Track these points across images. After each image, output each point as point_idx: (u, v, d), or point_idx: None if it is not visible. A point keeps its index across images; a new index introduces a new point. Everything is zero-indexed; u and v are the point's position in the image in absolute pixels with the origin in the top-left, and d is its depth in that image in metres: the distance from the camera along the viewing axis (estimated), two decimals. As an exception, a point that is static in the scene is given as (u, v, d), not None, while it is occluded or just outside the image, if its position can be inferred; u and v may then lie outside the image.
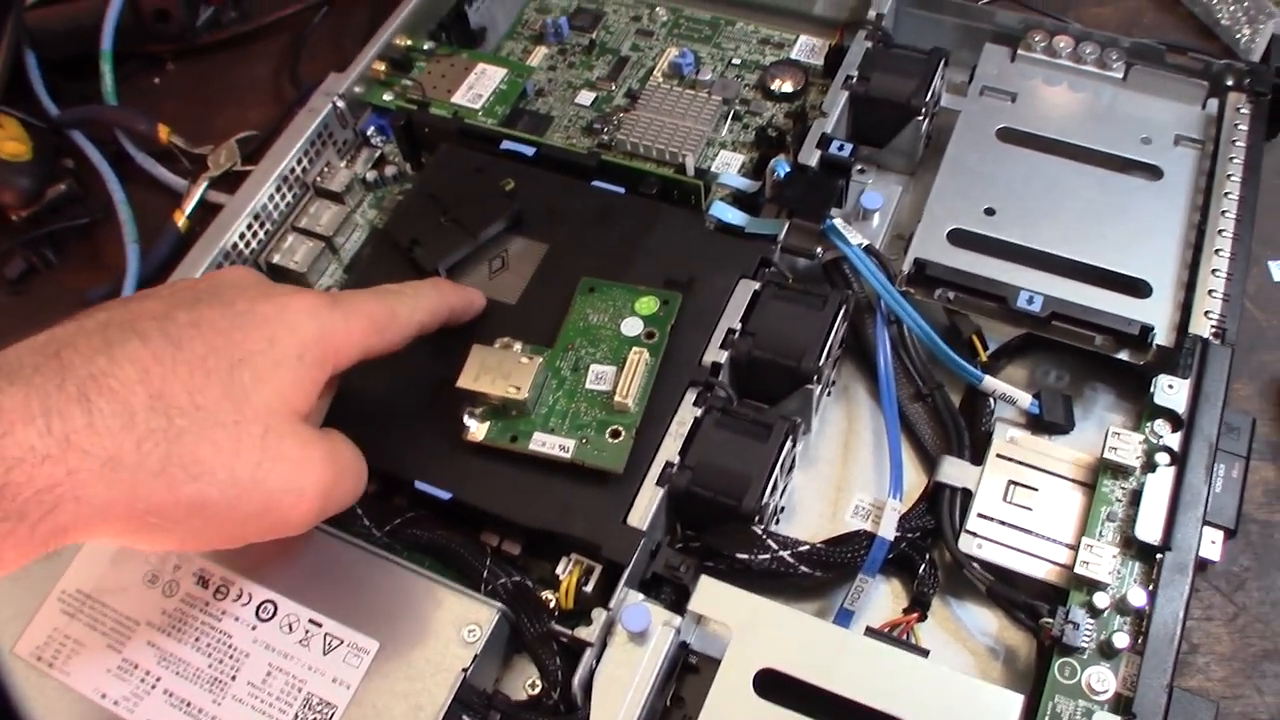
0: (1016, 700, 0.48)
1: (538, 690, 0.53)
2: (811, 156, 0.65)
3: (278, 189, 0.69)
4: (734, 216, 0.63)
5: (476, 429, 0.55)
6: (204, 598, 0.53)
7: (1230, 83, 0.68)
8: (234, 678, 0.51)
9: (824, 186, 0.63)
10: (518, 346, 0.57)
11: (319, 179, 0.71)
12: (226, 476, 0.43)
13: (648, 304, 0.59)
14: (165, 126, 0.77)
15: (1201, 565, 0.54)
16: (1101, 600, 0.51)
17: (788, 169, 0.64)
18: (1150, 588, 0.51)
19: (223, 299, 0.46)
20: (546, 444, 0.54)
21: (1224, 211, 0.62)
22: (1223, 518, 0.54)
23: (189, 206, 0.74)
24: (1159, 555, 0.52)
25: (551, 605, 0.53)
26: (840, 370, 0.64)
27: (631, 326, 0.58)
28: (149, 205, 0.77)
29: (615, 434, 0.54)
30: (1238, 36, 0.79)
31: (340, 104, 0.72)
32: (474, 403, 0.56)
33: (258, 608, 0.52)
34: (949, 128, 0.68)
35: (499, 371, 0.55)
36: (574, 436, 0.55)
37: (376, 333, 0.51)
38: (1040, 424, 0.60)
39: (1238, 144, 0.65)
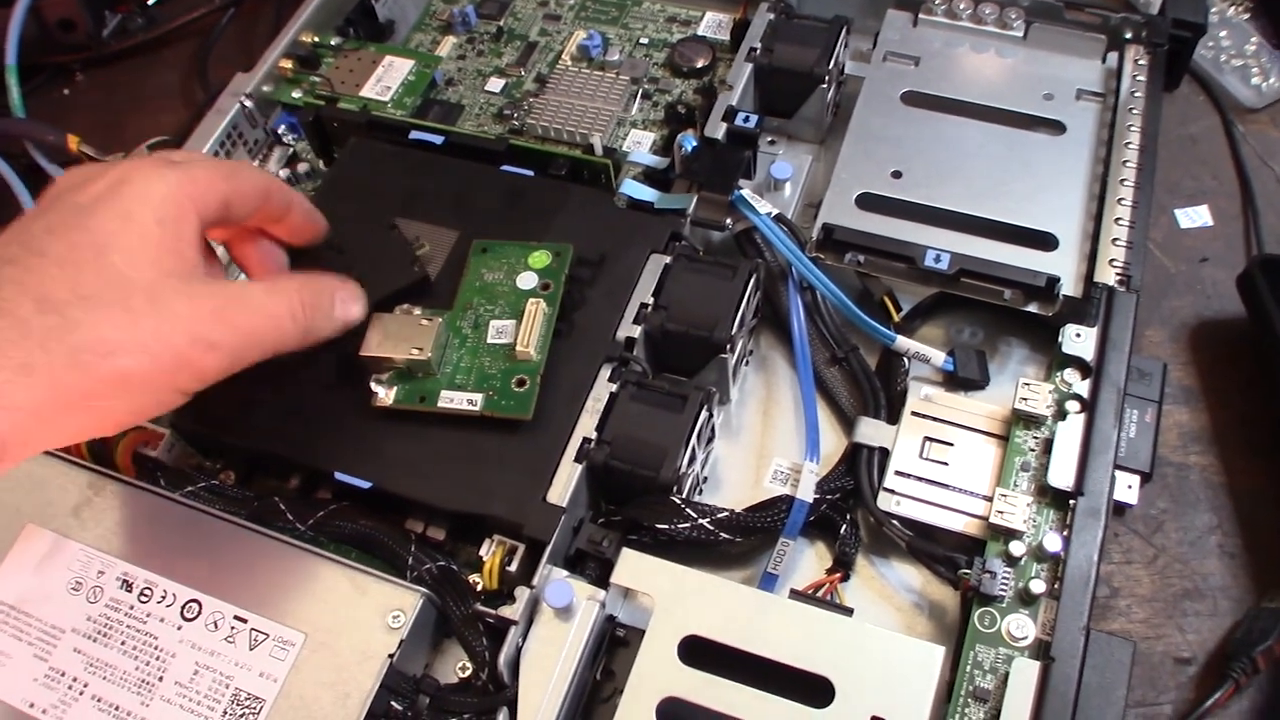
0: (938, 651, 0.48)
1: (468, 673, 0.53)
2: (718, 130, 0.65)
3: (189, 191, 0.68)
4: (644, 193, 0.64)
5: (385, 394, 0.56)
6: (128, 601, 0.53)
7: (1128, 35, 0.69)
8: (161, 678, 0.51)
9: (731, 158, 0.64)
10: (417, 311, 0.58)
11: (231, 179, 0.70)
12: (134, 345, 0.45)
13: (540, 257, 0.59)
14: (74, 136, 0.76)
15: (1119, 510, 0.55)
16: (1018, 548, 0.52)
17: (695, 143, 0.64)
18: (1065, 533, 0.52)
19: (67, 201, 0.48)
20: (454, 400, 0.55)
21: (1125, 162, 0.63)
22: (1138, 462, 0.55)
23: (101, 214, 0.74)
24: (1072, 501, 0.52)
25: (478, 588, 0.54)
26: (758, 340, 0.64)
27: (526, 280, 0.59)
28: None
29: (521, 383, 0.55)
30: (1137, -9, 0.80)
31: (248, 103, 0.71)
32: (379, 369, 0.56)
33: (182, 607, 0.52)
34: (855, 95, 0.68)
35: (400, 336, 0.56)
36: (481, 390, 0.55)
37: (224, 178, 0.51)
38: (956, 381, 0.60)
39: (1137, 95, 0.66)
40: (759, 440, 0.61)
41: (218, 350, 0.48)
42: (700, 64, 0.74)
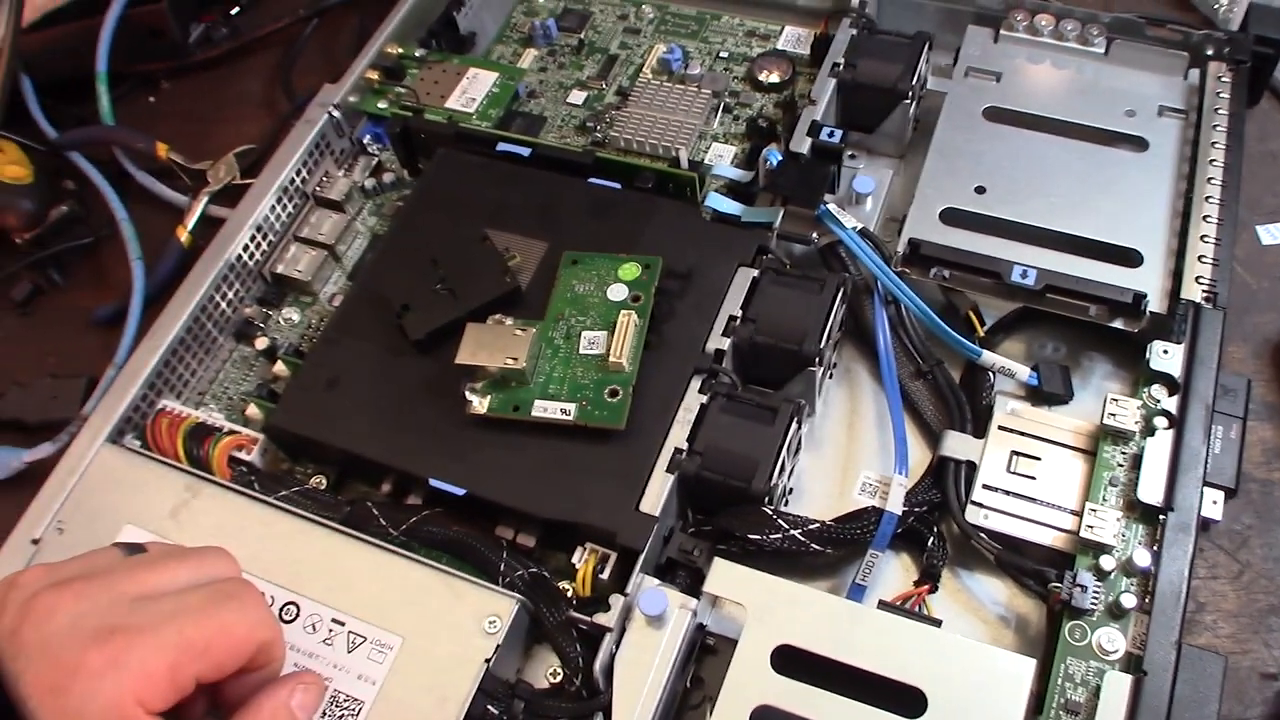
0: (1029, 664, 0.49)
1: (559, 678, 0.53)
2: (803, 144, 0.66)
3: (278, 200, 0.70)
4: (729, 206, 0.65)
5: (479, 403, 0.57)
6: (227, 603, 0.54)
7: (1210, 52, 0.69)
8: (261, 679, 0.52)
9: (816, 172, 0.64)
10: (509, 321, 0.59)
11: (318, 188, 0.72)
12: None
13: (630, 269, 0.60)
14: (163, 144, 0.78)
15: (1204, 525, 0.55)
16: (1108, 563, 0.52)
17: (780, 157, 0.65)
18: (1154, 548, 0.52)
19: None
20: (548, 409, 0.56)
21: (1210, 179, 0.63)
22: (1223, 478, 0.55)
23: (191, 221, 0.75)
24: (1161, 516, 0.53)
25: (569, 594, 0.55)
26: (841, 353, 0.65)
27: (617, 292, 0.60)
28: (151, 222, 0.78)
29: (614, 393, 0.56)
30: (1215, 6, 0.80)
31: (336, 113, 0.73)
32: (473, 378, 0.57)
33: (281, 609, 0.53)
34: (936, 110, 0.69)
35: (495, 345, 0.57)
36: (574, 400, 0.56)
37: (197, 656, 0.44)
38: (1039, 395, 0.61)
39: (1220, 112, 0.66)
40: (844, 453, 0.62)
41: None
42: (780, 78, 0.74)
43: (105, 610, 0.44)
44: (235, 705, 0.46)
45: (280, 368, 0.65)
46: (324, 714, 0.50)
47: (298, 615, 0.53)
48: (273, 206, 0.69)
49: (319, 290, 0.70)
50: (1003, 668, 0.49)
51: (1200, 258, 0.60)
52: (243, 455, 0.61)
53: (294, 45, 0.89)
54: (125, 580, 0.45)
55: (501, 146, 0.68)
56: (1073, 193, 0.64)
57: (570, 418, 0.56)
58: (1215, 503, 0.55)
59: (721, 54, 0.77)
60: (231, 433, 0.61)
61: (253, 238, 0.68)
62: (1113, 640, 0.51)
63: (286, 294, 0.70)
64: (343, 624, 0.52)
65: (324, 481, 0.61)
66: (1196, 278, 0.59)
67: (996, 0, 0.73)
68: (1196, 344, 0.57)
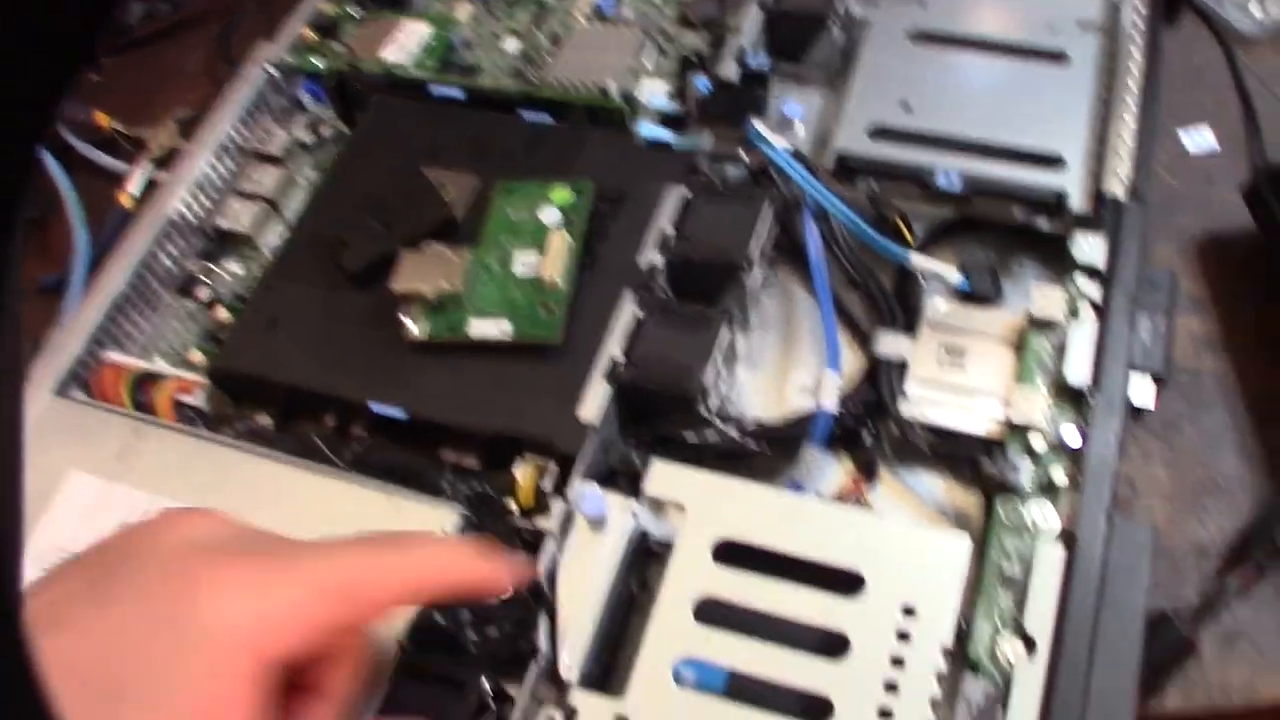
0: (965, 541, 0.50)
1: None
2: (731, 70, 0.67)
3: (217, 157, 0.70)
4: (661, 134, 0.66)
5: (416, 328, 0.57)
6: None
7: (1125, -34, 0.70)
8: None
9: (745, 96, 0.65)
10: (443, 248, 0.59)
11: (258, 145, 0.73)
12: None
13: (562, 194, 0.61)
14: (103, 114, 0.79)
15: (1137, 414, 0.56)
16: (1038, 443, 0.53)
17: (708, 84, 0.66)
18: (1083, 427, 0.53)
19: (121, 593, 0.35)
20: (485, 329, 0.57)
21: (1128, 85, 0.64)
22: (1153, 366, 0.56)
23: (133, 187, 0.76)
24: (1089, 397, 0.54)
25: (512, 509, 0.55)
26: (776, 272, 0.66)
27: (549, 216, 0.60)
28: (96, 192, 0.78)
29: (549, 310, 0.57)
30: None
31: (273, 71, 0.73)
32: (410, 304, 0.58)
33: (228, 538, 0.54)
34: (862, 37, 0.70)
35: (430, 271, 0.58)
36: (510, 318, 0.57)
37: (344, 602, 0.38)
38: (969, 298, 0.62)
39: (1139, 25, 0.67)
40: (780, 365, 0.63)
41: None
42: (711, 15, 0.75)
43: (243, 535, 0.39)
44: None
45: (223, 314, 0.66)
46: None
47: (245, 542, 0.53)
48: (211, 163, 0.70)
49: (261, 243, 0.70)
50: (940, 547, 0.50)
51: (1120, 157, 0.61)
52: (187, 399, 0.61)
53: (234, 16, 0.89)
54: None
55: (435, 90, 0.69)
56: (996, 105, 0.65)
57: (507, 335, 0.57)
58: (1145, 391, 0.56)
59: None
60: (176, 378, 0.62)
61: (193, 194, 0.69)
62: (1046, 517, 0.51)
63: (229, 248, 0.71)
64: (289, 547, 0.53)
65: (269, 421, 0.62)
66: (1117, 173, 0.60)
67: (917, -72, 0.74)
68: (1119, 236, 0.58)
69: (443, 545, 0.45)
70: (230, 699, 0.34)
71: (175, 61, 0.88)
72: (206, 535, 0.38)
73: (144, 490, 0.56)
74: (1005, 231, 0.63)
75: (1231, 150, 0.69)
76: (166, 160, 0.78)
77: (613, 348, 0.57)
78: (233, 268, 0.70)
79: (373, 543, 0.40)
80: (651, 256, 0.59)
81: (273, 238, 0.71)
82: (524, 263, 0.59)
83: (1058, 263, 0.62)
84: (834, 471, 0.58)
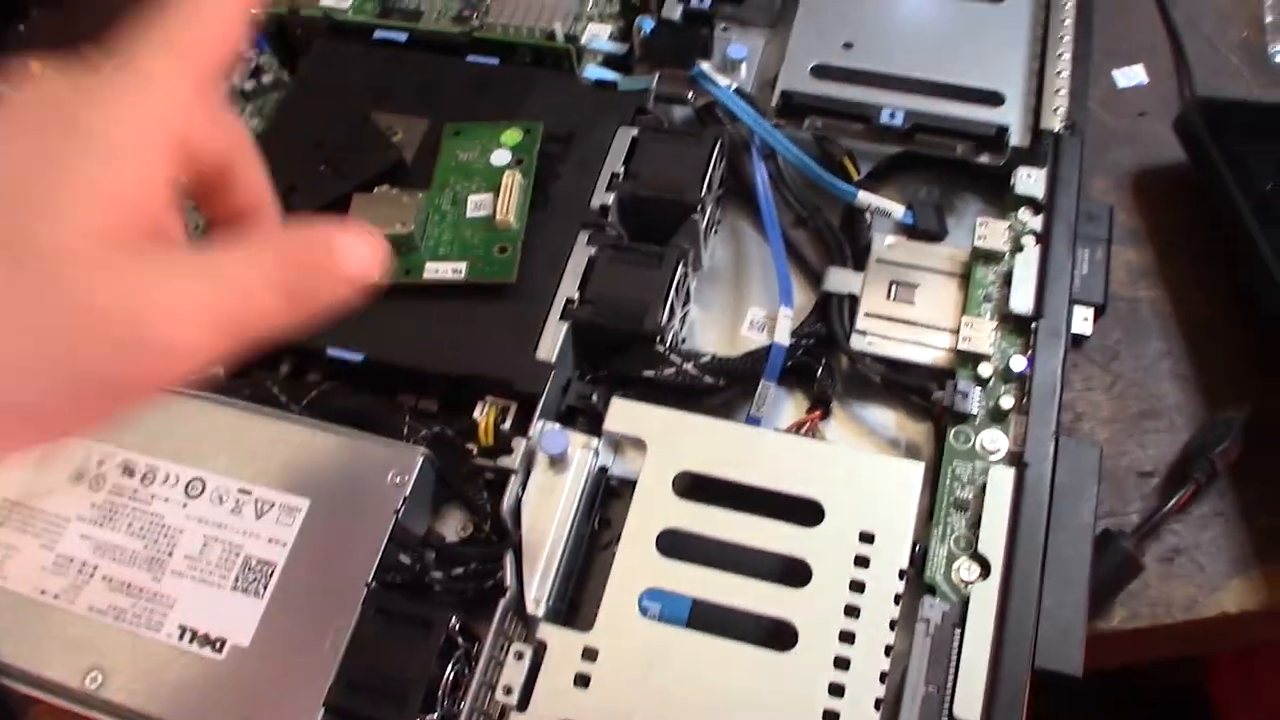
0: (918, 466, 0.51)
1: (470, 533, 0.55)
2: (674, 11, 0.67)
3: (156, 105, 0.69)
4: (607, 75, 0.66)
5: None
6: (131, 486, 0.54)
7: (1058, -93, 0.72)
8: (171, 554, 0.52)
9: (689, 36, 0.66)
10: (395, 191, 0.59)
11: (196, 93, 0.71)
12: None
13: (512, 135, 0.62)
14: (37, 61, 0.77)
15: (1077, 342, 0.58)
16: (985, 370, 0.55)
17: (653, 25, 0.66)
18: (1029, 354, 0.55)
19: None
20: (440, 270, 0.57)
21: (1063, 21, 0.66)
22: (1092, 295, 0.58)
23: (68, 137, 0.74)
24: (1033, 324, 0.55)
25: (473, 451, 0.56)
26: (724, 211, 0.66)
27: (500, 157, 0.61)
28: (28, 145, 0.77)
29: (503, 249, 0.57)
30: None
31: (209, 18, 0.72)
32: None
33: (186, 486, 0.53)
34: (803, -22, 0.71)
35: (382, 214, 0.58)
36: (464, 259, 0.57)
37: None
38: (915, 234, 0.63)
39: (1072, -37, 0.69)
40: (732, 302, 0.64)
41: (176, 356, 0.31)
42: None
43: None
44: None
45: (170, 263, 0.65)
46: (235, 578, 0.51)
47: (204, 490, 0.53)
48: (151, 111, 0.69)
49: (204, 191, 0.70)
50: (894, 473, 0.51)
51: (1058, 92, 0.62)
52: (137, 349, 0.61)
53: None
54: None
55: (378, 34, 0.69)
56: (936, 44, 0.66)
57: (461, 276, 0.57)
58: (1085, 319, 0.57)
59: (594, -58, 0.78)
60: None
61: (133, 143, 0.68)
62: (995, 440, 0.53)
63: (171, 198, 0.70)
64: (249, 493, 0.53)
65: (221, 370, 0.61)
66: (1055, 109, 0.62)
67: None
68: (1058, 168, 0.60)
69: None
70: (150, 178, 0.33)
71: (108, 12, 0.86)
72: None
73: (95, 440, 0.56)
74: (948, 166, 0.64)
75: (1161, 85, 0.71)
76: (101, 110, 0.76)
77: (568, 287, 0.57)
78: (176, 218, 0.69)
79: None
80: (603, 196, 0.60)
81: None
82: (476, 203, 0.59)
83: (999, 197, 0.63)
84: (788, 406, 0.60)
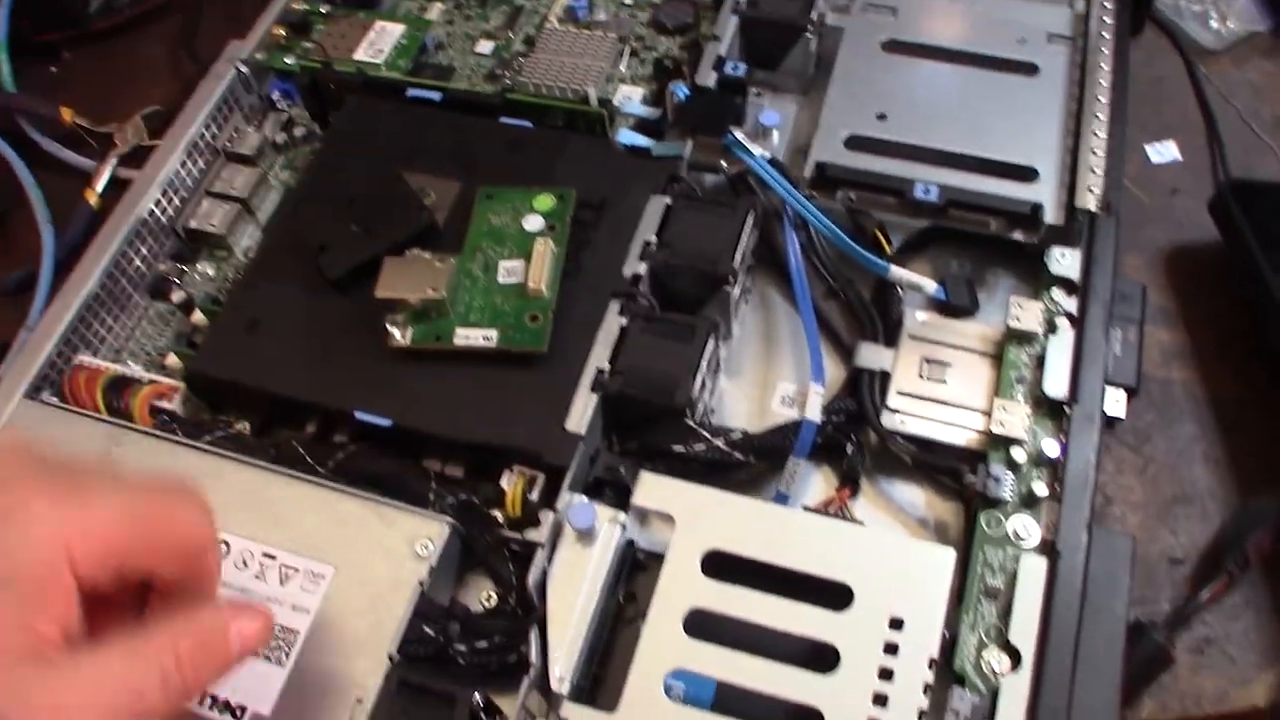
0: (950, 553, 0.50)
1: (494, 602, 0.54)
2: (708, 78, 0.67)
3: (188, 156, 0.69)
4: (640, 141, 0.66)
5: (401, 335, 0.57)
6: (156, 546, 0.54)
7: (1093, -19, 0.72)
8: (194, 617, 0.52)
9: (723, 104, 0.66)
10: (428, 255, 0.59)
11: (229, 144, 0.72)
12: None
13: (544, 200, 0.61)
14: (68, 109, 0.77)
15: (1109, 424, 0.57)
16: (1019, 454, 0.54)
17: (687, 92, 0.66)
18: (1062, 439, 0.54)
19: None
20: (470, 337, 0.57)
21: (1098, 98, 0.65)
22: (1125, 377, 0.58)
23: (100, 184, 0.75)
24: (1067, 409, 0.55)
25: (499, 519, 0.55)
26: (755, 280, 0.66)
27: (533, 223, 0.61)
28: (60, 189, 0.77)
29: (534, 318, 0.57)
30: (1099, -57, 0.83)
31: (244, 69, 0.73)
32: (394, 311, 0.58)
33: (211, 548, 0.53)
34: (836, 45, 0.71)
35: (414, 277, 0.58)
36: (495, 326, 0.57)
37: (131, 525, 0.39)
38: (947, 309, 0.63)
39: (1106, 37, 0.69)
40: (761, 373, 0.63)
41: None
42: (684, 22, 0.76)
43: (62, 461, 0.40)
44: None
45: (199, 317, 0.65)
46: (259, 645, 0.51)
47: (228, 552, 0.53)
48: (183, 162, 0.69)
49: (234, 244, 0.70)
50: (925, 558, 0.51)
51: (1092, 171, 0.62)
52: (164, 404, 0.61)
53: (197, 9, 0.88)
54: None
55: (412, 92, 0.69)
56: (970, 117, 0.66)
57: (492, 343, 0.57)
58: (1118, 401, 0.57)
59: (626, 1, 0.78)
60: (152, 382, 0.61)
61: (164, 193, 0.68)
62: (1027, 528, 0.53)
63: (201, 249, 0.70)
64: (274, 558, 0.52)
65: (248, 428, 0.61)
66: (1089, 188, 0.61)
67: (889, -63, 0.75)
68: (1093, 248, 0.60)
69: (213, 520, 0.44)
70: (56, 582, 0.36)
71: (137, 56, 0.87)
72: (27, 454, 0.40)
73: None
74: (980, 239, 0.64)
75: (1194, 161, 0.71)
76: (132, 157, 0.76)
77: (599, 357, 0.57)
78: (205, 269, 0.69)
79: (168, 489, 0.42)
80: (635, 265, 0.60)
81: (246, 240, 0.70)
82: (508, 269, 0.59)
83: (1032, 272, 0.63)
84: (817, 480, 0.59)
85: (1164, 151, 0.72)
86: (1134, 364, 0.58)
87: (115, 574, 0.39)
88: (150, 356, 0.66)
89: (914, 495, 0.59)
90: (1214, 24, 0.78)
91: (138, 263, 0.67)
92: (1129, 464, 0.60)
